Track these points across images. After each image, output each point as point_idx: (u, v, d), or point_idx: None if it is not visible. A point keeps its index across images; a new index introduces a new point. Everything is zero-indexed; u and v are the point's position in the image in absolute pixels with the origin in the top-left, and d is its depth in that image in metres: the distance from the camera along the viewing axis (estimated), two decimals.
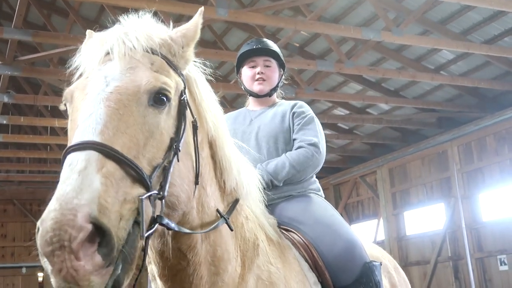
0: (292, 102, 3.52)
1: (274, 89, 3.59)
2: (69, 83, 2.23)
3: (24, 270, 20.08)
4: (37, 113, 18.22)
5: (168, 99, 2.08)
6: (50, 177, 19.98)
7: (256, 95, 3.57)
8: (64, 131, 17.35)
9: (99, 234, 1.68)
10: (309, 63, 12.24)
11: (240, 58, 3.63)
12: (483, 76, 13.40)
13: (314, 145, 3.25)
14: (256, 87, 3.53)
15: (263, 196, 2.83)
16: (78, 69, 2.25)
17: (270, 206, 3.13)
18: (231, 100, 15.56)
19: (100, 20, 14.51)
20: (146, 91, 2.01)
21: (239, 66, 3.66)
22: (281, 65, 3.66)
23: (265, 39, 3.73)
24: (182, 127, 2.14)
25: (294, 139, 3.34)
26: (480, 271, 14.38)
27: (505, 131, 13.98)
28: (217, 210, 2.43)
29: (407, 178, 17.16)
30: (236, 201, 2.56)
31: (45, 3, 14.61)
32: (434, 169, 16.18)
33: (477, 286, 14.34)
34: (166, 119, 2.07)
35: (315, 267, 2.92)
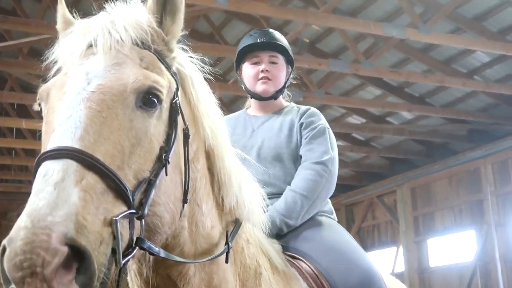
0: (302, 109, 3.45)
1: (280, 91, 3.49)
2: (44, 79, 2.22)
3: None
4: (2, 112, 18.25)
5: (160, 101, 2.06)
6: (14, 187, 19.99)
7: (259, 97, 3.48)
8: (33, 134, 17.41)
9: (76, 258, 1.65)
10: (320, 62, 12.27)
11: (241, 52, 3.54)
12: None
13: (322, 163, 3.19)
14: (259, 88, 3.44)
15: (267, 218, 2.80)
16: (55, 63, 2.23)
17: None
18: (229, 103, 15.56)
19: (78, 5, 14.58)
20: (133, 91, 1.99)
21: (240, 61, 3.58)
22: (289, 61, 3.58)
23: (271, 30, 3.62)
24: (173, 134, 2.11)
25: (300, 156, 3.30)
26: None
27: None
28: (220, 233, 2.42)
29: (431, 200, 17.13)
30: (239, 223, 2.53)
31: None
32: (463, 191, 16.16)
33: None
34: (156, 125, 2.05)
35: None
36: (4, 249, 1.65)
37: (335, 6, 11.24)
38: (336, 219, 3.46)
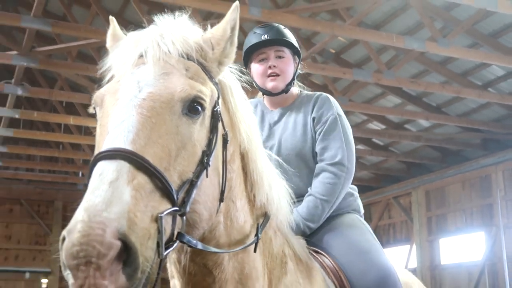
0: (313, 100, 3.29)
1: (289, 84, 3.31)
2: (99, 85, 2.23)
3: (27, 275, 20.27)
4: (51, 109, 18.44)
5: (203, 109, 2.08)
6: (61, 177, 20.21)
7: (270, 93, 3.31)
8: (80, 129, 17.56)
9: (125, 251, 1.68)
10: (345, 71, 12.19)
11: (248, 51, 3.36)
12: None
13: (337, 163, 3.08)
14: (269, 84, 3.26)
15: (294, 217, 2.80)
16: (109, 70, 2.24)
17: None
18: None
19: (123, 13, 14.66)
20: (180, 99, 2.01)
21: (247, 60, 3.40)
22: (296, 52, 3.38)
23: (274, 25, 3.40)
24: (214, 139, 2.14)
25: (316, 152, 3.19)
26: None
27: None
28: (251, 226, 2.43)
29: (445, 202, 16.98)
30: (267, 217, 2.54)
31: None
32: (475, 195, 16.00)
33: None
34: (199, 130, 2.07)
35: None
36: (63, 239, 1.69)
37: (360, 19, 11.16)
38: (362, 216, 3.37)
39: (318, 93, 3.36)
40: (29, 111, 15.92)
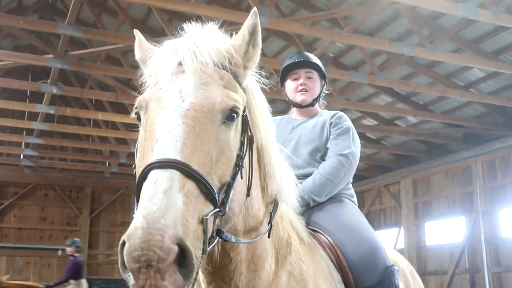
0: (332, 113, 3.49)
1: (316, 99, 3.56)
2: (139, 91, 2.20)
3: (60, 252, 20.33)
4: (82, 106, 18.50)
5: (237, 116, 2.06)
6: (90, 166, 20.30)
7: (299, 106, 3.55)
8: (107, 124, 17.62)
9: (180, 254, 1.68)
10: (342, 73, 12.18)
11: (284, 71, 3.62)
12: None
13: (344, 155, 3.24)
14: (299, 98, 3.52)
15: (298, 200, 2.83)
16: (149, 77, 2.19)
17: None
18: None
19: (147, 21, 14.68)
20: (220, 110, 1.99)
21: (283, 79, 3.65)
22: (322, 76, 3.63)
23: (306, 53, 3.71)
24: (245, 142, 2.13)
25: (327, 148, 3.34)
26: (497, 285, 14.16)
27: None
28: (263, 213, 2.42)
29: (430, 190, 16.96)
30: (277, 204, 2.54)
31: (96, 2, 14.84)
32: (457, 183, 15.98)
33: None
34: (234, 135, 2.06)
35: (340, 267, 2.92)
36: (123, 243, 1.69)
37: (357, 27, 11.15)
38: (356, 202, 3.48)
39: (338, 111, 3.57)
40: (63, 108, 15.94)
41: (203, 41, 2.15)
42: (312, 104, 3.56)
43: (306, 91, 3.51)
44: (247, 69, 2.25)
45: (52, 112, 14.74)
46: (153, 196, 1.72)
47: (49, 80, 12.86)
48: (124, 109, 16.54)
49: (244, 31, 2.24)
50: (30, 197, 20.41)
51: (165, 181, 1.75)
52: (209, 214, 1.83)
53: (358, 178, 19.41)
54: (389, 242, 17.88)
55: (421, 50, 10.61)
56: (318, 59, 3.67)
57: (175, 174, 1.78)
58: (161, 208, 1.68)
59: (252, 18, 2.25)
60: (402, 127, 16.10)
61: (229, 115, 2.02)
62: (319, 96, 3.59)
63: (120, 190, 21.17)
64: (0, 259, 19.58)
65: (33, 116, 16.78)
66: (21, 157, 19.36)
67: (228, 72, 2.13)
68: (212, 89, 2.02)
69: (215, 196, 1.87)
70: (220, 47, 2.15)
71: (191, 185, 1.80)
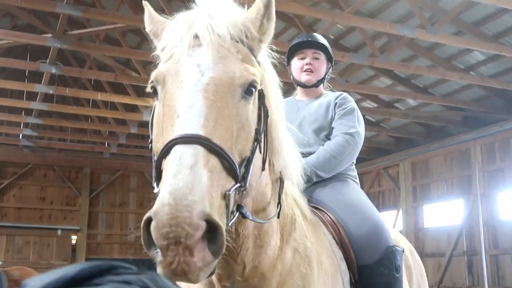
0: (337, 93, 3.50)
1: (320, 81, 3.55)
2: (155, 65, 2.14)
3: (59, 232, 20.42)
4: (81, 86, 18.44)
5: (255, 90, 2.05)
6: (89, 147, 20.29)
7: (304, 85, 3.55)
8: (106, 104, 17.57)
9: (208, 230, 1.66)
10: (343, 55, 12.11)
11: (291, 50, 3.60)
12: None
13: (350, 134, 3.25)
14: (304, 78, 3.51)
15: (302, 177, 2.82)
16: (164, 49, 2.13)
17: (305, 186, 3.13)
18: None
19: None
20: (240, 84, 1.97)
21: (290, 57, 3.63)
22: (329, 59, 3.61)
23: (315, 33, 3.69)
24: (262, 117, 2.12)
25: (333, 127, 3.35)
26: (494, 268, 14.23)
27: None
28: (270, 189, 2.41)
29: (428, 173, 16.98)
30: (283, 183, 2.53)
31: None
32: (456, 166, 15.99)
33: (490, 281, 14.19)
34: (252, 110, 2.05)
35: (341, 244, 2.95)
36: (149, 220, 1.66)
37: (357, 8, 11.07)
38: (358, 183, 3.51)
39: (343, 92, 3.58)
40: (62, 88, 15.88)
41: (218, 13, 2.10)
42: (316, 85, 3.55)
43: (312, 71, 3.50)
44: (262, 42, 2.21)
45: (51, 92, 14.68)
46: (178, 172, 1.69)
47: (48, 60, 12.79)
48: (123, 89, 16.48)
49: (258, 3, 2.19)
50: (29, 177, 20.42)
51: (190, 157, 1.73)
52: (232, 190, 1.82)
53: (357, 160, 19.03)
54: (388, 224, 17.92)
55: (422, 32, 10.56)
56: (326, 41, 3.64)
57: (200, 149, 1.77)
58: (188, 184, 1.66)
59: None
60: (402, 110, 16.08)
61: (248, 89, 2.00)
62: (324, 77, 3.57)
63: (119, 171, 21.18)
64: (0, 238, 19.65)
65: (32, 96, 16.73)
66: (20, 137, 19.33)
67: (244, 45, 2.10)
68: (230, 63, 2.00)
69: (237, 172, 1.86)
70: (236, 20, 2.12)
71: (214, 161, 1.79)
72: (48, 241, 20.29)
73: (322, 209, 3.08)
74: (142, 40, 15.34)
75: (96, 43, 13.12)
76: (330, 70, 3.65)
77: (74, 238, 20.62)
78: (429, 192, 16.93)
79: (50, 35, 11.46)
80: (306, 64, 3.50)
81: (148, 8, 2.33)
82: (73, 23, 15.28)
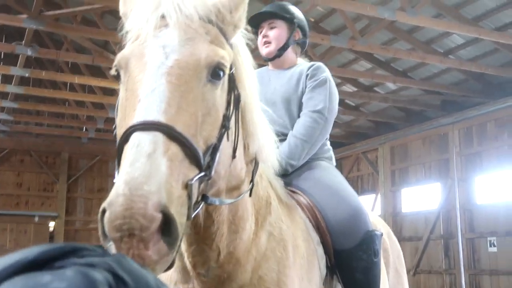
0: (310, 64, 3.35)
1: (282, 49, 3.37)
2: (120, 47, 2.05)
3: (36, 218, 20.18)
4: (58, 69, 18.14)
5: (224, 73, 1.95)
6: (67, 131, 20.02)
7: (267, 59, 3.42)
8: (84, 88, 17.32)
9: (164, 222, 1.58)
10: (323, 38, 12.07)
11: (254, 28, 3.41)
12: (491, 62, 13.21)
13: (318, 112, 3.12)
14: (264, 51, 3.38)
15: (277, 159, 2.74)
16: (129, 31, 2.03)
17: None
18: None
19: None
20: (205, 66, 1.88)
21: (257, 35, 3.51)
22: (293, 22, 3.41)
23: (270, 5, 3.50)
24: (232, 102, 2.02)
25: (302, 103, 3.23)
26: (470, 251, 14.40)
27: (506, 118, 13.83)
28: (245, 172, 2.35)
29: (407, 157, 17.10)
30: (257, 164, 2.45)
31: None
32: (434, 150, 16.10)
33: (466, 265, 14.38)
34: (220, 95, 1.95)
35: (318, 228, 2.90)
36: (103, 211, 1.58)
37: None
38: (335, 164, 3.41)
39: (317, 62, 3.42)
40: (38, 71, 15.59)
41: None
42: (278, 55, 3.39)
43: (269, 42, 3.36)
44: (237, 27, 2.13)
45: (27, 75, 14.42)
46: (135, 160, 1.60)
47: (23, 42, 12.52)
48: (101, 72, 16.25)
49: None
50: (5, 162, 20.11)
51: (148, 144, 1.64)
52: (194, 179, 1.73)
53: (336, 144, 19.45)
54: (367, 208, 18.04)
55: (402, 14, 10.52)
56: (288, 7, 3.46)
57: (159, 136, 1.67)
58: (144, 173, 1.57)
59: None
60: (381, 94, 16.11)
61: (215, 72, 1.91)
62: (286, 44, 3.39)
63: (97, 156, 20.96)
64: None
65: (7, 79, 16.40)
66: None
67: (214, 26, 2.00)
68: (197, 44, 1.90)
69: (200, 160, 1.77)
70: (206, 0, 2.03)
71: (175, 148, 1.70)
72: (25, 228, 20.05)
73: (298, 192, 3.01)
74: (121, 22, 15.09)
75: (73, 24, 12.90)
76: (300, 34, 3.47)
77: (51, 224, 20.40)
78: (407, 176, 17.04)
79: (25, 15, 11.21)
80: (263, 37, 3.38)
81: None
82: (49, 4, 14.96)
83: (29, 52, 12.76)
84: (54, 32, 14.44)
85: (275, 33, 3.36)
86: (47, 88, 18.00)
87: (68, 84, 17.84)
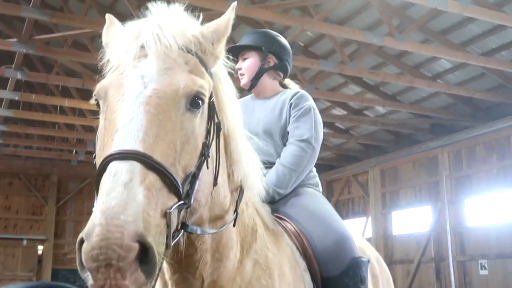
0: (293, 91, 3.30)
1: (255, 78, 3.34)
2: (100, 76, 2.05)
3: (25, 242, 20.00)
4: (48, 92, 18.10)
5: (203, 102, 1.95)
6: (56, 154, 19.92)
7: (247, 90, 3.41)
8: (74, 111, 17.29)
9: (142, 251, 1.58)
10: (312, 62, 12.17)
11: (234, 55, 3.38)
12: (478, 87, 13.36)
13: (305, 141, 3.10)
14: (241, 83, 3.36)
15: (263, 186, 2.72)
16: (109, 62, 2.04)
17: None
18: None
19: (115, 6, 14.42)
20: (184, 95, 1.88)
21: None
22: (264, 49, 3.34)
23: (244, 37, 3.45)
24: (212, 130, 2.02)
25: (288, 132, 3.20)
26: (461, 274, 14.39)
27: (494, 141, 13.96)
28: (229, 200, 2.34)
29: (397, 179, 17.14)
30: (242, 191, 2.46)
31: None
32: (424, 173, 16.17)
33: (457, 287, 14.34)
34: (200, 123, 1.95)
35: (305, 255, 2.87)
36: (82, 241, 1.59)
37: (327, 16, 11.15)
38: (321, 191, 3.38)
39: (300, 90, 3.38)
40: (28, 94, 15.55)
41: (167, 23, 2.02)
42: (253, 85, 3.36)
43: (243, 74, 3.35)
44: (218, 58, 2.15)
45: (16, 98, 14.36)
46: (112, 189, 1.61)
47: (13, 65, 12.52)
48: (91, 96, 16.06)
49: (227, 23, 2.17)
50: None
51: (125, 174, 1.64)
52: (173, 207, 1.73)
53: (326, 167, 19.51)
54: (357, 231, 18.03)
55: (390, 39, 10.64)
56: (261, 35, 3.43)
57: (136, 166, 1.67)
58: (121, 203, 1.57)
59: (233, 12, 2.20)
60: (370, 117, 16.19)
61: (194, 101, 1.91)
62: (258, 73, 3.34)
63: (87, 179, 20.83)
64: None
65: None
66: None
67: (193, 56, 2.02)
68: (176, 74, 1.91)
69: (179, 188, 1.77)
70: (185, 30, 2.04)
71: (153, 177, 1.69)
72: (13, 251, 19.85)
73: (285, 219, 2.98)
74: (102, 51, 15.09)
75: (64, 48, 12.92)
76: (274, 60, 3.38)
77: (40, 248, 20.19)
78: (398, 199, 17.07)
79: (15, 39, 11.21)
80: (238, 70, 3.35)
81: (109, 20, 2.25)
82: (40, 28, 15.03)
83: (19, 76, 12.76)
84: (44, 56, 14.42)
85: (247, 64, 3.36)
86: (37, 111, 17.98)
87: (58, 107, 17.82)
